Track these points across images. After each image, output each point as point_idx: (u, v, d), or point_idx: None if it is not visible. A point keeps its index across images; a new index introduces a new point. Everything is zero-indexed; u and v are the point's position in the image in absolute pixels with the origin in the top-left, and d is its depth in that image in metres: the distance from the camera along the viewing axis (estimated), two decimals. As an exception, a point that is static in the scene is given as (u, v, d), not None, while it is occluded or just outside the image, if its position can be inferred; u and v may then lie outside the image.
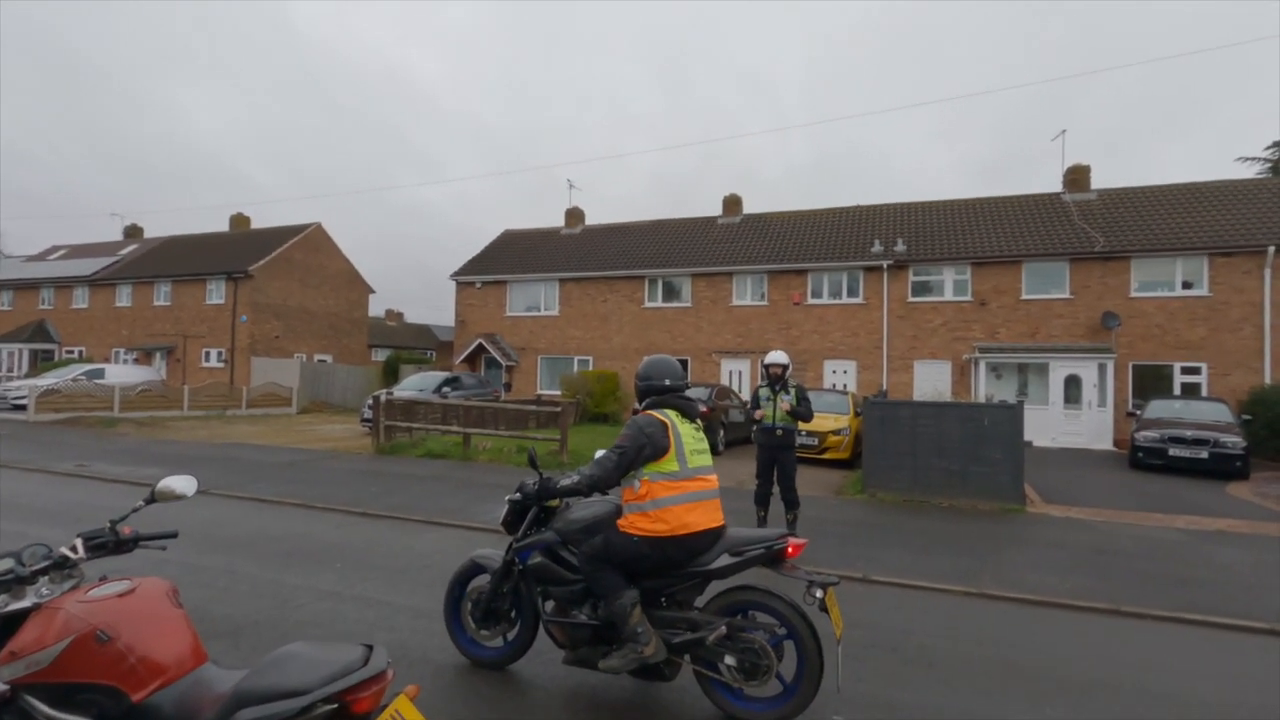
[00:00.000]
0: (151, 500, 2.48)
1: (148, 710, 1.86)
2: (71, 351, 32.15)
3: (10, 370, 31.29)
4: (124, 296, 31.79)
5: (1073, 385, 17.93)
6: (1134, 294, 18.34)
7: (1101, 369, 17.61)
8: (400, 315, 52.61)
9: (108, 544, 2.34)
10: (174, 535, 2.54)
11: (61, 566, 2.14)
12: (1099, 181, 21.94)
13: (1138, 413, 15.00)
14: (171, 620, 2.05)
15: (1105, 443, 17.37)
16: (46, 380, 21.62)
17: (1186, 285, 18.08)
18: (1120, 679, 4.03)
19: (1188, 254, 17.94)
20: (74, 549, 2.22)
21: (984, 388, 18.50)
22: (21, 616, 2.00)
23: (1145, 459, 12.95)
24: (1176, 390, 17.45)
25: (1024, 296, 19.28)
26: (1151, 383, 17.84)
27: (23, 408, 19.23)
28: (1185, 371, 17.80)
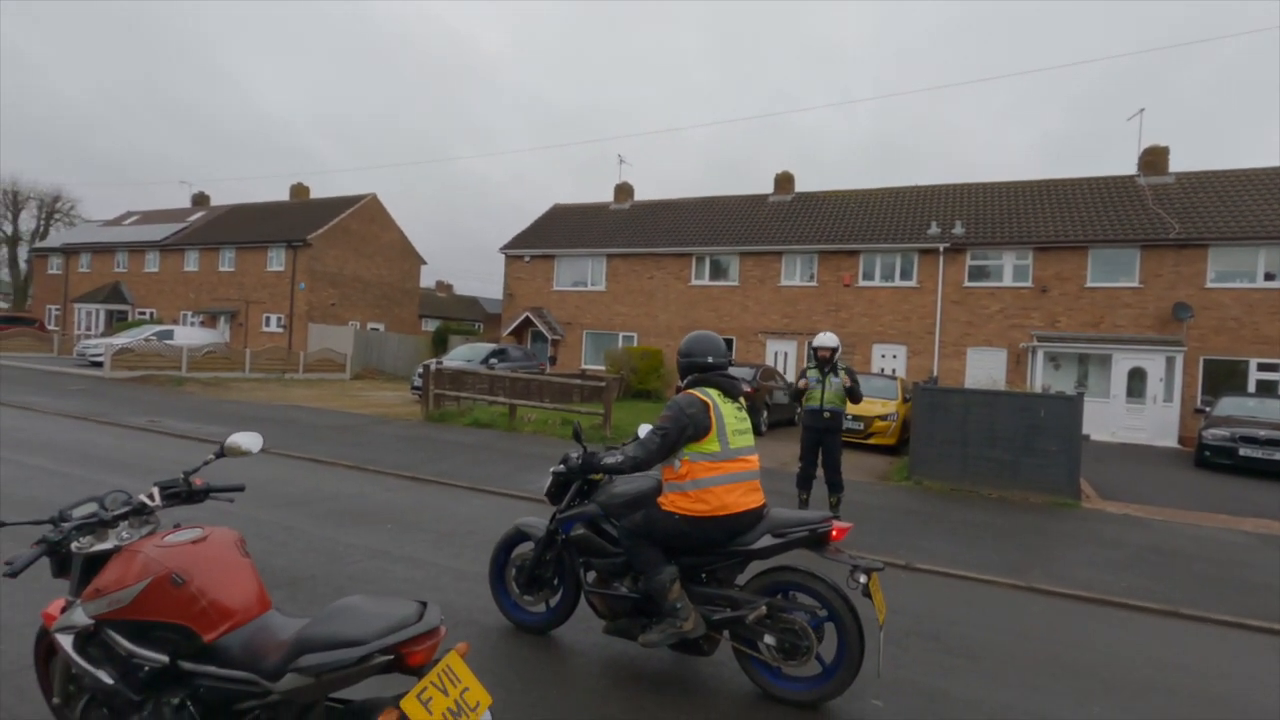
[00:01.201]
0: (221, 454, 2.61)
1: (217, 650, 1.98)
2: (143, 313, 33.83)
3: (88, 329, 33.14)
4: (191, 262, 33.20)
5: (1136, 378, 17.16)
6: (1210, 284, 17.35)
7: (1170, 362, 16.79)
8: (450, 287, 53.58)
9: (181, 493, 2.48)
10: (241, 489, 2.67)
11: (140, 512, 2.28)
12: (1186, 164, 20.69)
13: (1207, 409, 14.27)
14: (240, 568, 2.17)
15: (1169, 439, 16.62)
16: (121, 339, 22.82)
17: (1269, 277, 17.01)
18: (1174, 682, 3.90)
19: (1272, 243, 16.84)
20: (151, 497, 2.36)
21: (1041, 378, 17.85)
22: (104, 557, 2.14)
23: (1213, 458, 12.36)
24: (1251, 387, 16.53)
25: (1089, 284, 18.44)
26: (1224, 378, 16.93)
27: (100, 364, 20.37)
28: (1262, 368, 16.82)
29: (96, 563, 2.14)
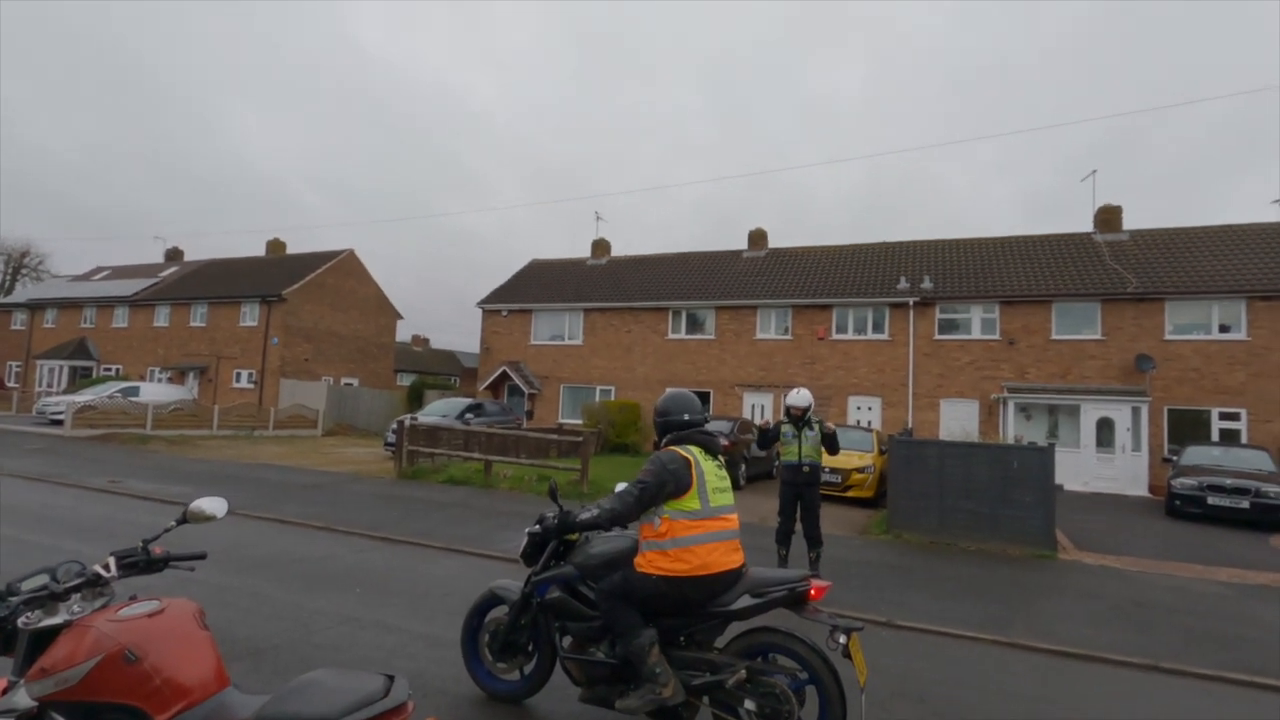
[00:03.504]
0: (183, 521, 2.52)
1: None
2: (109, 369, 33.06)
3: (50, 386, 32.22)
4: (162, 317, 32.72)
5: (1105, 428, 17.49)
6: (1169, 336, 17.95)
7: (1135, 412, 17.17)
8: (426, 341, 53.34)
9: (139, 563, 2.37)
10: (203, 556, 2.57)
11: (94, 584, 2.17)
12: (1170, 217, 21.71)
13: (1174, 459, 14.55)
14: (198, 642, 2.07)
15: (1140, 488, 16.85)
16: (83, 396, 22.22)
17: (1224, 329, 17.66)
18: (1160, 740, 3.85)
19: (1225, 297, 17.56)
20: (107, 567, 2.25)
21: (1013, 428, 18.12)
22: (53, 633, 2.03)
23: (1182, 507, 12.53)
24: (1214, 436, 16.94)
25: (1054, 336, 18.97)
26: (1188, 428, 17.34)
27: (60, 422, 19.75)
28: (1224, 417, 17.29)
29: (44, 639, 2.03)
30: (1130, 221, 21.71)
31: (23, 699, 1.92)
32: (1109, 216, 21.58)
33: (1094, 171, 22.84)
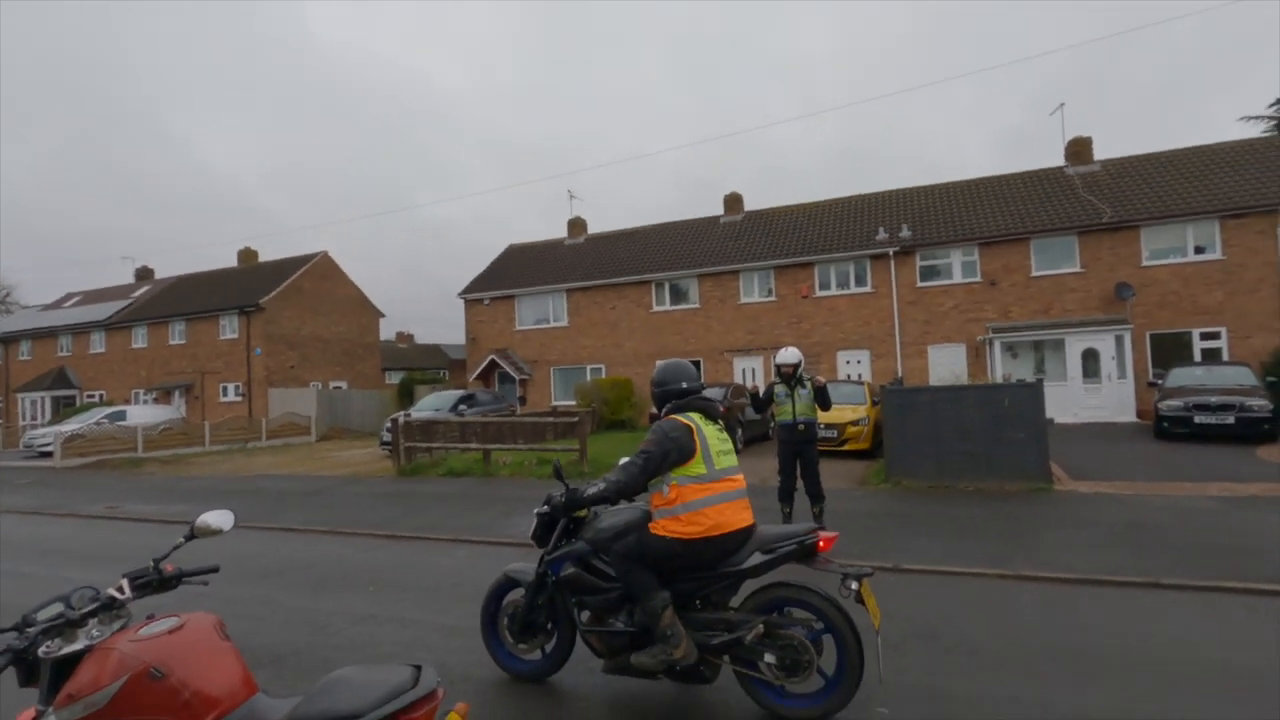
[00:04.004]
0: (191, 537, 2.52)
1: None
2: (92, 395, 32.64)
3: (34, 418, 31.79)
4: (140, 338, 32.26)
5: (1090, 359, 17.75)
6: (1146, 263, 18.16)
7: (1119, 340, 17.42)
8: (410, 337, 52.96)
9: (152, 582, 2.38)
10: (215, 569, 2.58)
11: (110, 607, 2.18)
12: (1147, 143, 21.77)
13: (1159, 382, 14.80)
14: (221, 653, 2.08)
15: (1128, 415, 17.17)
16: (70, 426, 21.96)
17: (1199, 250, 17.88)
18: (1164, 653, 3.99)
19: (1198, 218, 17.74)
20: (120, 589, 2.25)
21: (1000, 368, 18.35)
22: (75, 659, 2.03)
23: (1170, 428, 12.79)
24: (1197, 357, 17.24)
25: (1034, 273, 19.13)
26: (1171, 351, 17.62)
27: (49, 454, 19.53)
28: (1205, 337, 17.59)
29: (67, 666, 2.03)
30: (1105, 152, 21.81)
31: (53, 726, 1.93)
32: (1079, 149, 21.65)
33: (1062, 105, 22.83)
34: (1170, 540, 6.37)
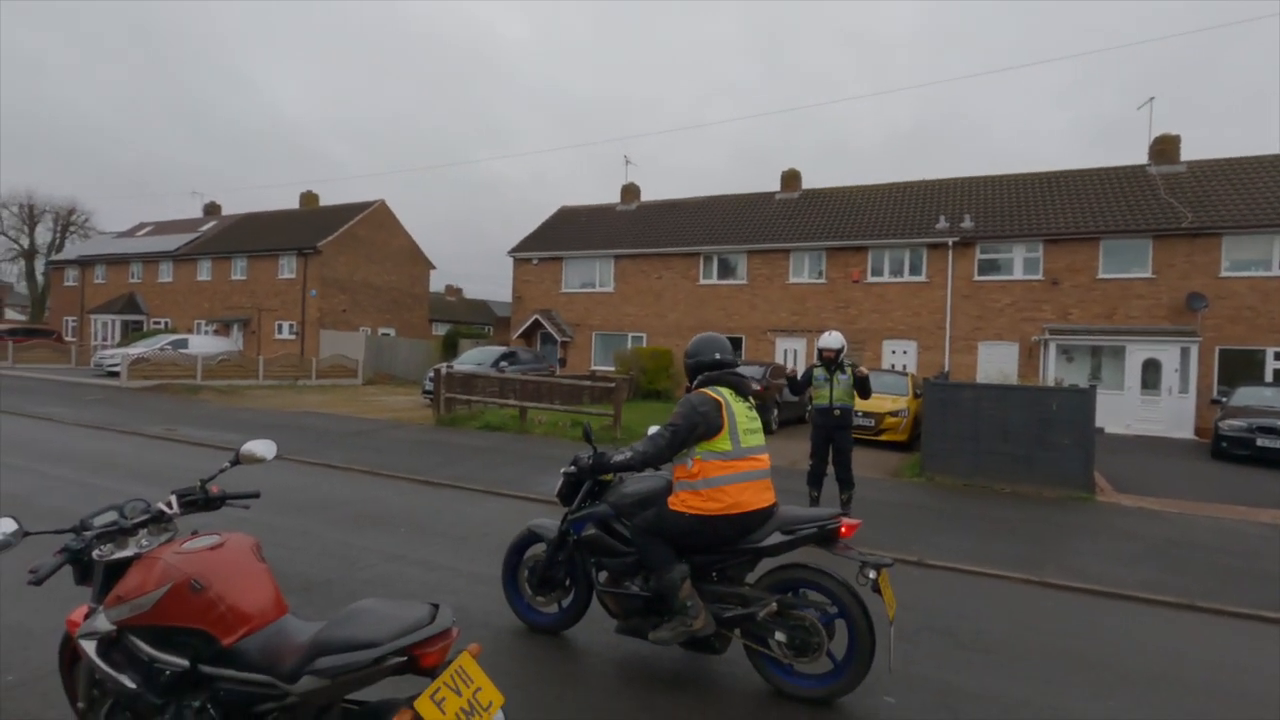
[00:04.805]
0: (236, 462, 2.66)
1: (235, 654, 2.02)
2: (158, 323, 34.22)
3: (105, 339, 33.55)
4: (204, 271, 33.56)
5: (1151, 370, 16.99)
6: (1224, 273, 17.15)
7: (1184, 353, 16.61)
8: (459, 291, 53.81)
9: (198, 501, 2.53)
10: (257, 495, 2.72)
11: (158, 520, 2.33)
12: (1232, 147, 20.50)
13: (1223, 400, 14.12)
14: (256, 573, 2.21)
15: (1185, 431, 16.44)
16: (136, 349, 23.09)
17: (1285, 264, 16.79)
18: (1190, 675, 3.88)
19: (1288, 230, 16.62)
20: (169, 504, 2.41)
21: (1053, 371, 17.72)
22: (125, 565, 2.19)
23: (1230, 449, 12.21)
24: (1268, 377, 16.33)
25: (1100, 275, 18.28)
26: (1240, 368, 16.72)
27: (116, 374, 20.64)
28: (1279, 357, 16.61)
29: (117, 570, 2.18)
30: (1196, 152, 20.51)
31: (103, 623, 2.09)
32: (1165, 147, 20.40)
33: (1151, 99, 21.43)
34: (1213, 562, 6.14)
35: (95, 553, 2.17)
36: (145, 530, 2.27)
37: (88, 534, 2.19)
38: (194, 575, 2.05)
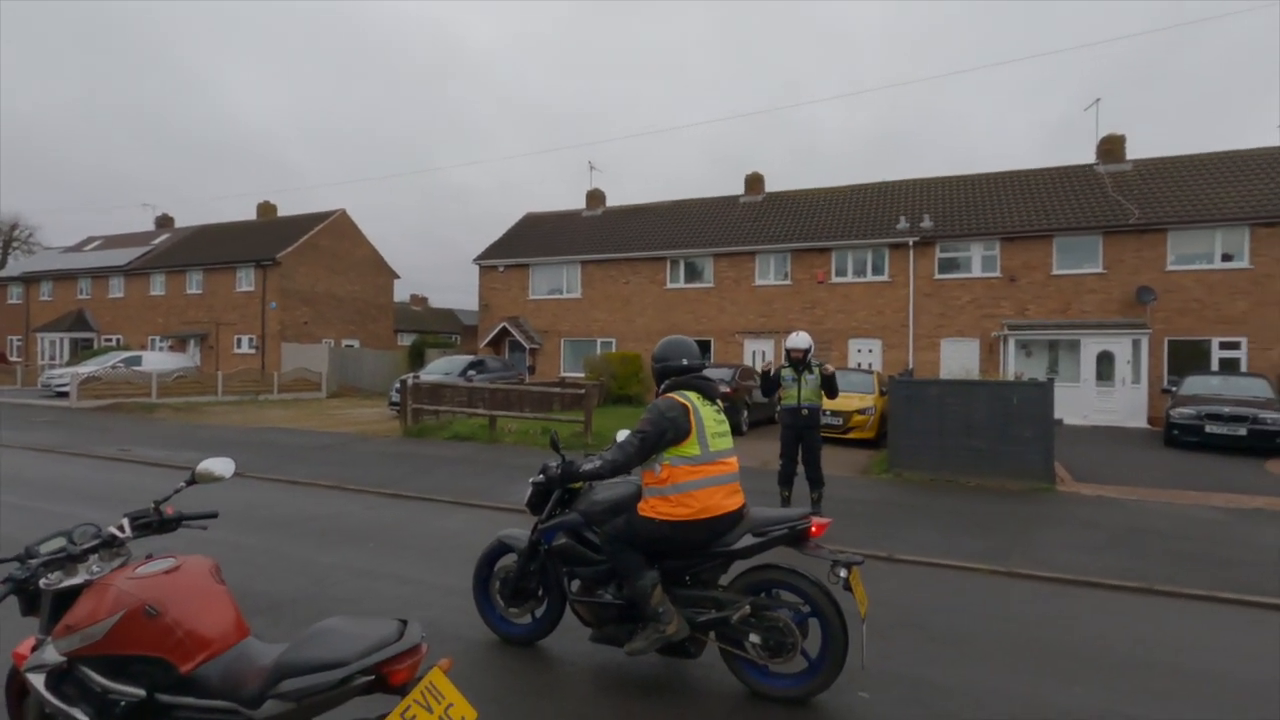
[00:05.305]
0: (192, 481, 2.57)
1: (195, 681, 1.95)
2: (109, 339, 33.09)
3: (52, 358, 32.32)
4: (158, 285, 32.56)
5: (1105, 362, 17.55)
6: (1170, 267, 17.83)
7: (1136, 345, 17.20)
8: (425, 300, 53.20)
9: (152, 523, 2.44)
10: (214, 515, 2.63)
11: (110, 545, 2.24)
12: (1190, 144, 21.25)
13: (1173, 389, 14.64)
14: (215, 596, 2.14)
15: (1139, 420, 17.01)
16: (87, 368, 22.30)
17: (1226, 258, 17.52)
18: (1153, 658, 3.99)
19: (1228, 225, 17.36)
20: (121, 528, 2.32)
21: (1013, 365, 18.18)
22: (75, 593, 2.09)
23: (1181, 436, 12.66)
24: (1214, 366, 17.00)
25: (1055, 272, 18.85)
26: (1188, 359, 17.38)
27: (66, 394, 19.90)
28: (1224, 346, 17.31)
29: (67, 599, 2.09)
30: (1144, 151, 21.28)
31: (52, 655, 2.00)
32: (1111, 146, 21.17)
33: (1097, 100, 22.22)
34: (1169, 547, 6.34)
35: (42, 581, 2.08)
36: (96, 556, 2.18)
37: (33, 561, 2.09)
38: (149, 601, 1.98)
